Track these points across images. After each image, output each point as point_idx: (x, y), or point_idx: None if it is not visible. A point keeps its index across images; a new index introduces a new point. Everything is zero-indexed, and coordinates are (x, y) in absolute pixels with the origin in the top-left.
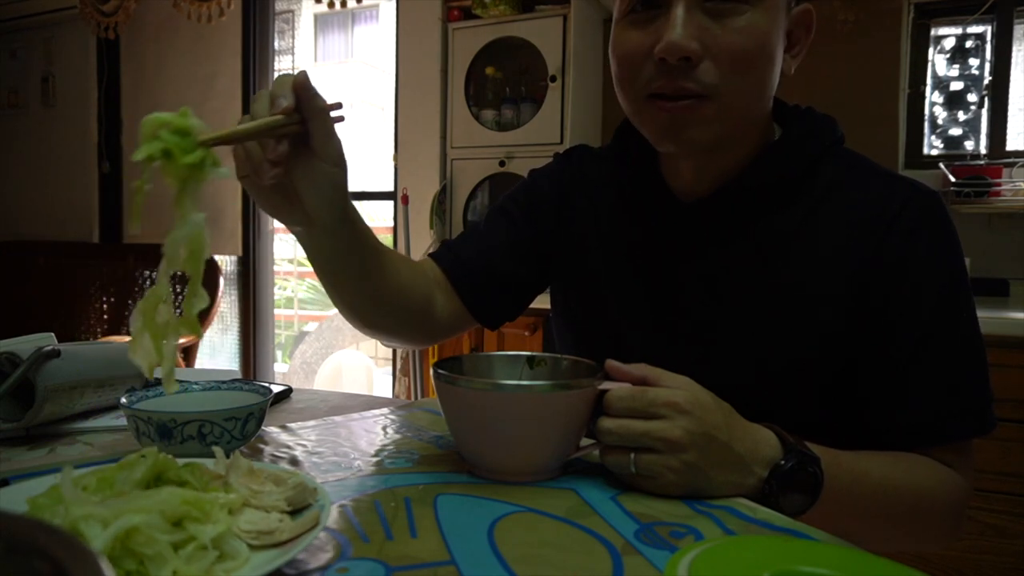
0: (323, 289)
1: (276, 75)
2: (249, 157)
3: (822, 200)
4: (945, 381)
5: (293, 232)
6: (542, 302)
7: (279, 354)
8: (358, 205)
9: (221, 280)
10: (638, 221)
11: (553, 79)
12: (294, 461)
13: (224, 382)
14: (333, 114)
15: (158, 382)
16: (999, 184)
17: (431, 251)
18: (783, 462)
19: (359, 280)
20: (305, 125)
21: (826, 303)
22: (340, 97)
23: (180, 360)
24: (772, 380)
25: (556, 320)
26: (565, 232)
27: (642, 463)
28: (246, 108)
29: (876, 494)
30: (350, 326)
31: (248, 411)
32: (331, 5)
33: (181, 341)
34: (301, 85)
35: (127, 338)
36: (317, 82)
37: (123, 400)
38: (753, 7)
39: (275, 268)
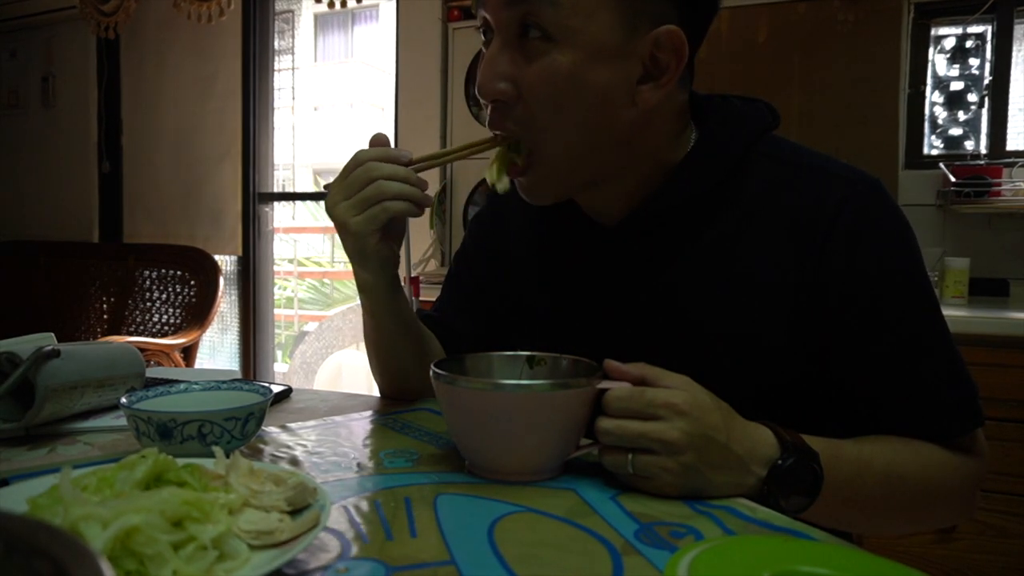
0: (367, 355)
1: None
2: (413, 196)
3: (754, 204)
4: (931, 384)
5: (367, 285)
6: None
7: (279, 354)
8: None
9: (221, 280)
10: (564, 249)
11: None
12: (294, 461)
13: (224, 382)
14: None
15: (156, 382)
16: (999, 184)
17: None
18: (780, 461)
19: (408, 335)
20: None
21: (767, 316)
22: (340, 97)
23: (180, 360)
24: (721, 396)
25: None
26: (497, 267)
27: (639, 464)
28: (246, 108)
29: (880, 484)
30: (350, 326)
31: (248, 411)
32: (331, 5)
33: (181, 341)
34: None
35: (127, 338)
36: (317, 82)
37: (123, 400)
38: (557, 46)
39: (275, 268)
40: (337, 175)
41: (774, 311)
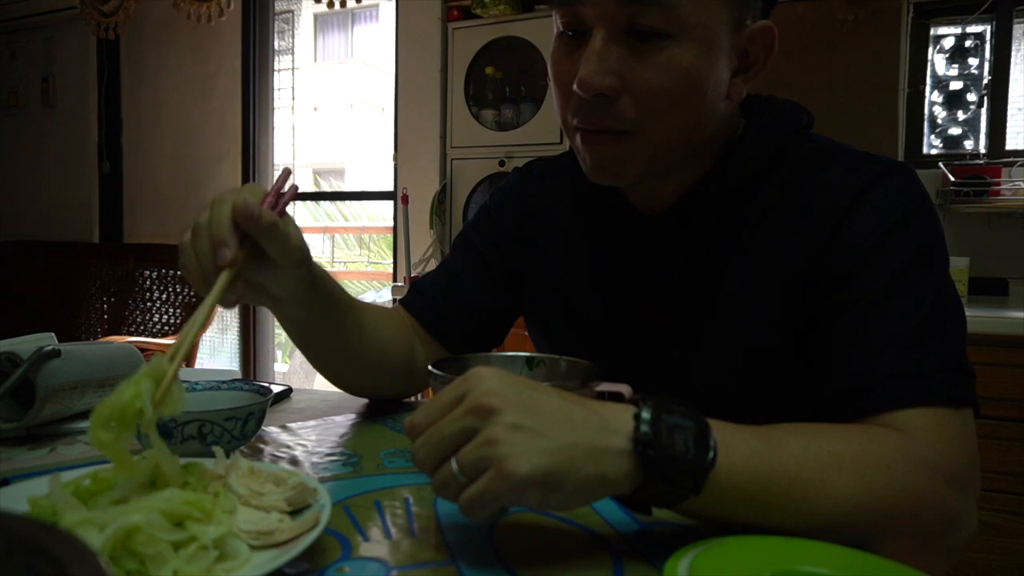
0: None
1: (215, 201)
2: (207, 284)
3: (782, 189)
4: (904, 340)
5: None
6: None
7: (279, 354)
8: (358, 205)
9: None
10: (601, 235)
11: None
12: (294, 461)
13: (224, 382)
14: (286, 188)
15: None
16: (998, 183)
17: (402, 298)
18: (639, 407)
19: (336, 341)
20: (256, 246)
21: (786, 292)
22: (340, 97)
23: None
24: (751, 376)
25: (531, 329)
26: (530, 249)
27: (464, 458)
28: (246, 108)
29: (802, 458)
30: None
31: (248, 411)
32: (331, 5)
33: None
34: (242, 214)
35: (127, 338)
36: (317, 82)
37: None
38: (677, 40)
39: None
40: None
41: (792, 283)
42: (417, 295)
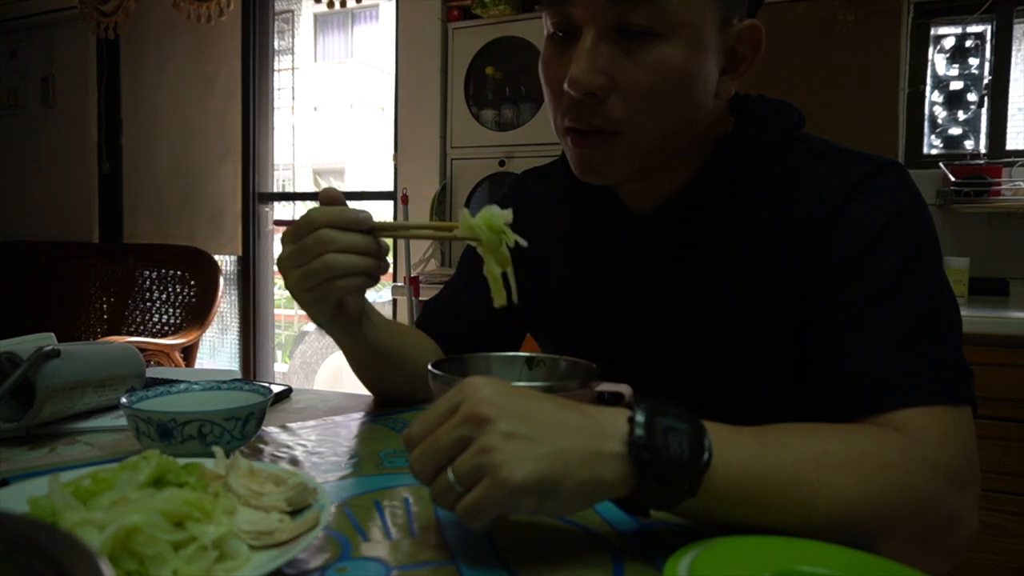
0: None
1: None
2: (367, 269)
3: (774, 188)
4: (900, 339)
5: (337, 337)
6: None
7: (279, 354)
8: (358, 205)
9: (221, 280)
10: (594, 236)
11: None
12: (294, 461)
13: (224, 382)
14: None
15: (156, 382)
16: (999, 184)
17: (416, 320)
18: (634, 411)
19: (397, 360)
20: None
21: (780, 291)
22: (340, 97)
23: (180, 360)
24: (749, 376)
25: (536, 336)
26: (529, 259)
27: (460, 467)
28: (246, 108)
29: (801, 459)
30: None
31: (248, 411)
32: (331, 5)
33: (181, 341)
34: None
35: (127, 338)
36: (317, 82)
37: (123, 400)
38: (666, 39)
39: (275, 268)
40: (287, 230)
41: (783, 284)
42: (430, 319)
